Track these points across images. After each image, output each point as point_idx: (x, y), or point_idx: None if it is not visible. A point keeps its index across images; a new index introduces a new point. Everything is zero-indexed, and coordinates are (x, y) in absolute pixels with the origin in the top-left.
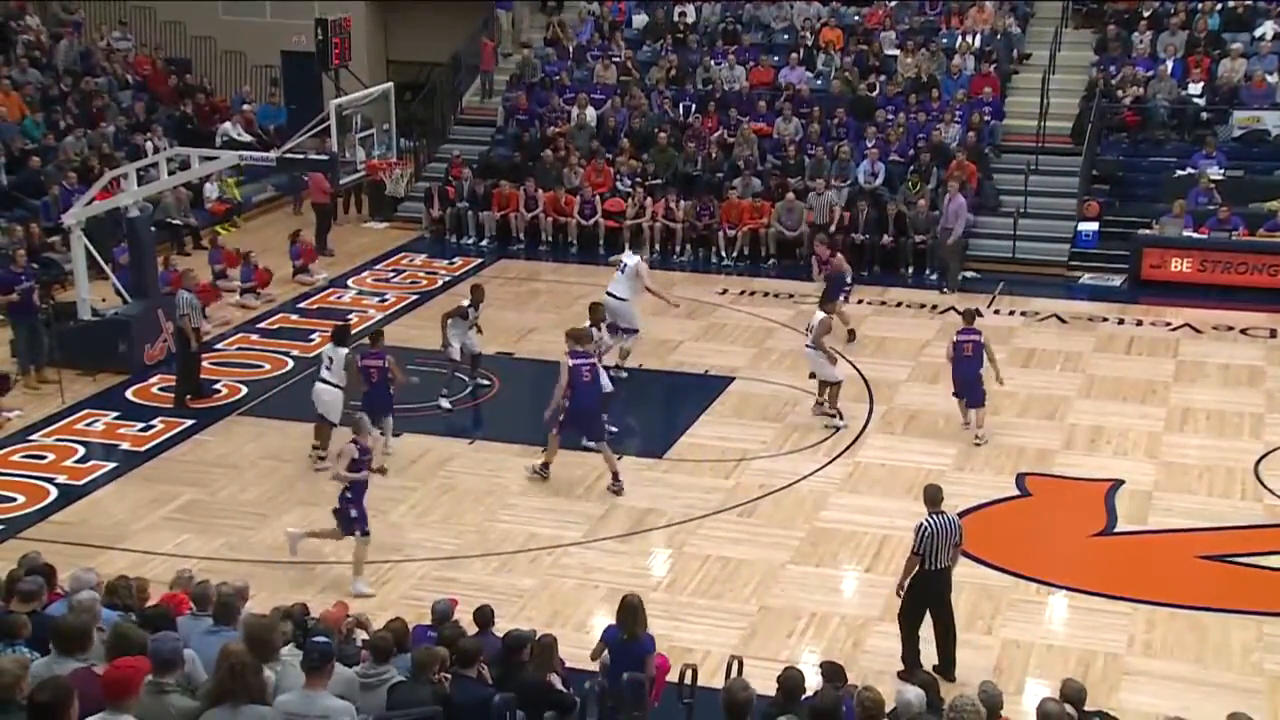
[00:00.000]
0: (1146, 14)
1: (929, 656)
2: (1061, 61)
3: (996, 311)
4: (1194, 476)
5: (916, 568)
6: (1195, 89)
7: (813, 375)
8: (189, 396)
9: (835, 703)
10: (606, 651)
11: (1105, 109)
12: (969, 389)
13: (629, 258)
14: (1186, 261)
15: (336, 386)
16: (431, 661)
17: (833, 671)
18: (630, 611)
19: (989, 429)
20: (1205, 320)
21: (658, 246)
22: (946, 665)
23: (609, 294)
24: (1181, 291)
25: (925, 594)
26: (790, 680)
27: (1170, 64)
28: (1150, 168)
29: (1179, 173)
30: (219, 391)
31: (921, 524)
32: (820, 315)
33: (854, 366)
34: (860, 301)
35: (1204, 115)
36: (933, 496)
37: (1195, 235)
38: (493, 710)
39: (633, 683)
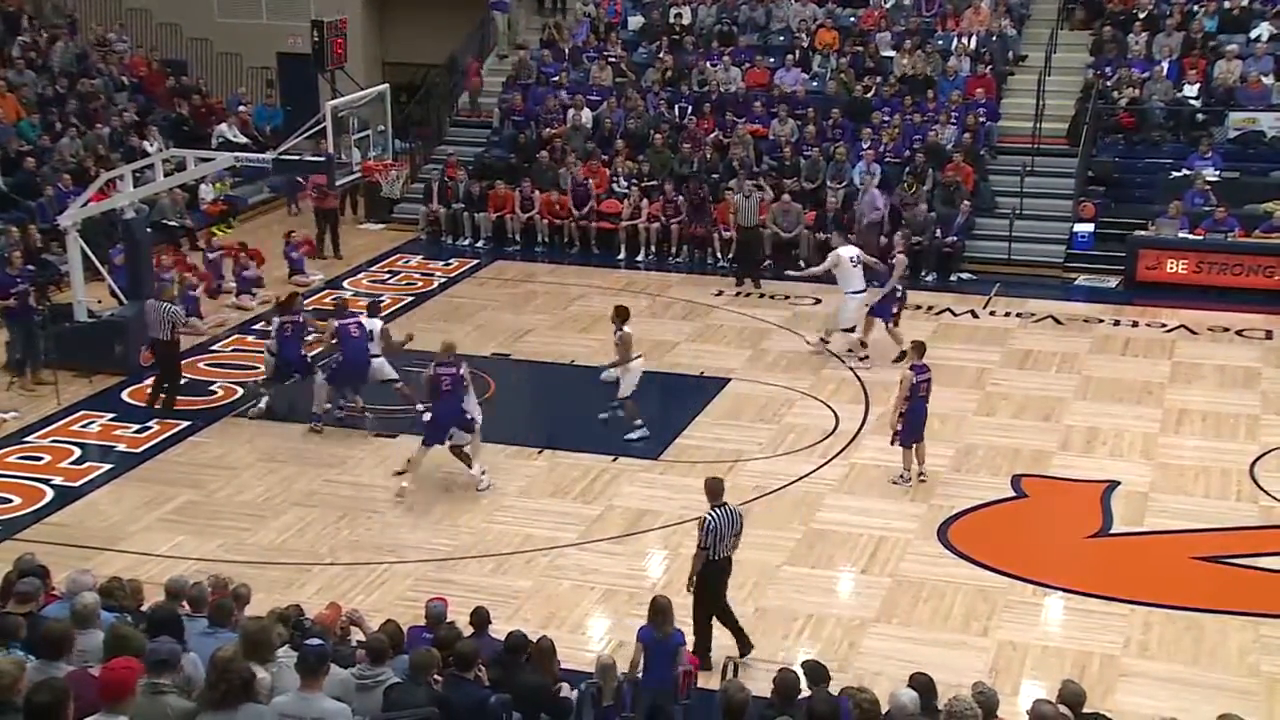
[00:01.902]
0: (1142, 15)
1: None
2: (1057, 63)
3: (992, 313)
4: (1190, 478)
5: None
6: (1191, 90)
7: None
8: (163, 396)
9: (833, 706)
10: (643, 651)
11: (1101, 110)
12: (919, 431)
13: (851, 250)
14: (1182, 263)
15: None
16: (430, 663)
17: (815, 671)
18: (661, 611)
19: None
20: (1201, 321)
21: (654, 247)
22: (744, 641)
23: (852, 292)
24: (1177, 293)
25: (718, 583)
26: (785, 681)
27: (1166, 65)
28: (1146, 169)
29: (1175, 174)
30: (214, 392)
31: (706, 518)
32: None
33: (849, 368)
34: None
35: (1200, 117)
36: (714, 489)
37: (1191, 237)
38: (489, 712)
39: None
